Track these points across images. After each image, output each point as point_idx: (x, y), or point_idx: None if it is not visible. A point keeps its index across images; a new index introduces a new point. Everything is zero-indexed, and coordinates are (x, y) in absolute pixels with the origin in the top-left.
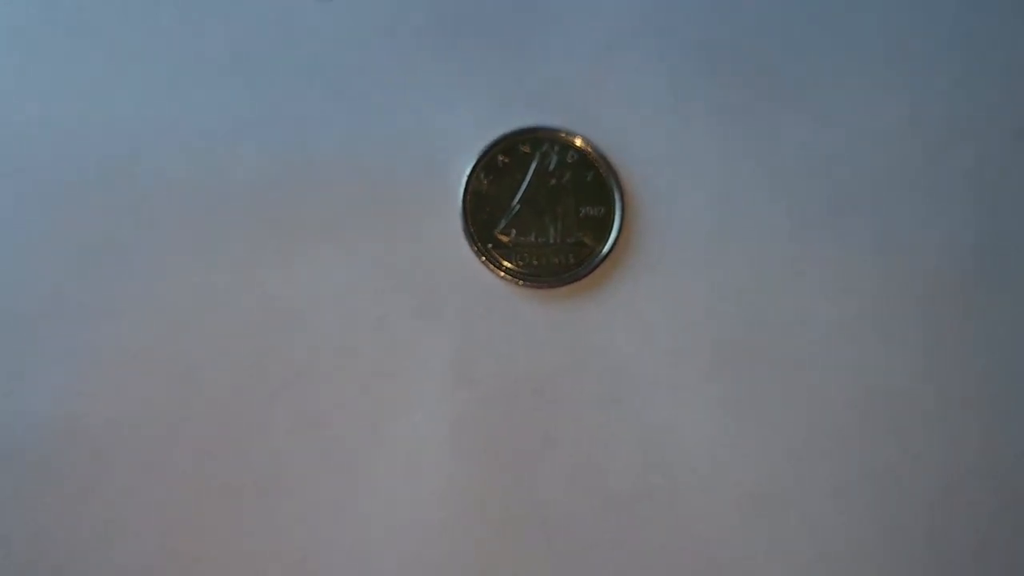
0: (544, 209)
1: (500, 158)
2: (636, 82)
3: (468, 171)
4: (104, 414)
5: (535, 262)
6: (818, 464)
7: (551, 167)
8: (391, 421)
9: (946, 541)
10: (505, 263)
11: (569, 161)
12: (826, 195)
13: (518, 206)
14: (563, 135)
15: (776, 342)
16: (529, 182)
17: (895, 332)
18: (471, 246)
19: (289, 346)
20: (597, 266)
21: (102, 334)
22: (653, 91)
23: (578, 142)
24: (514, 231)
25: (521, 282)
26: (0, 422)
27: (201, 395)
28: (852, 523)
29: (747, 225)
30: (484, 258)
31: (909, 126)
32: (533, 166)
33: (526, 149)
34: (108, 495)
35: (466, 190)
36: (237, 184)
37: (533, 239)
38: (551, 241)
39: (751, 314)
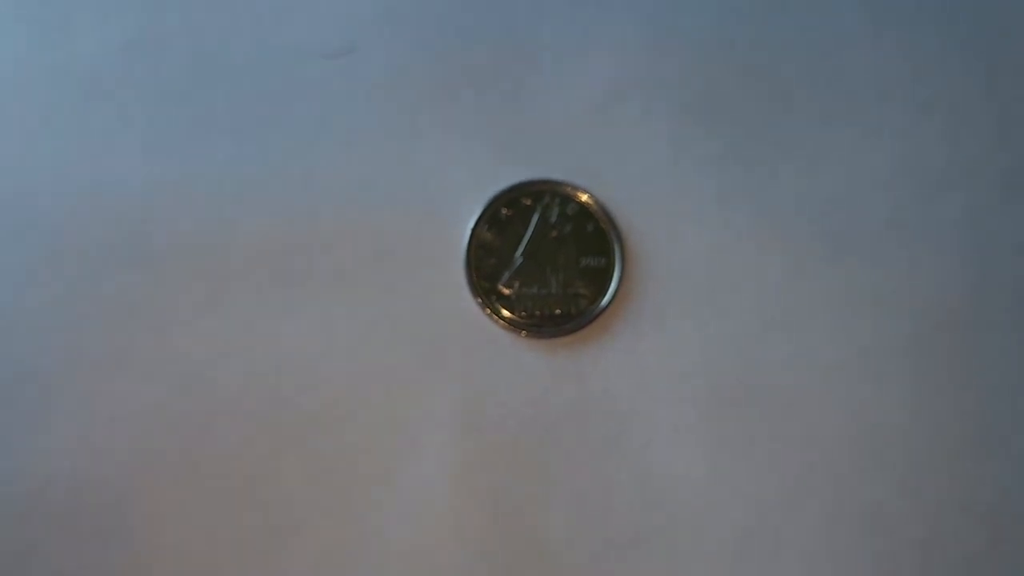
0: (546, 261)
1: (503, 211)
2: (634, 134)
3: (472, 224)
4: (121, 467)
5: (537, 312)
6: (812, 503)
7: (552, 219)
8: (399, 469)
9: None
10: (508, 314)
11: (570, 213)
12: (820, 241)
13: (521, 258)
14: (564, 187)
15: (770, 385)
16: (531, 234)
17: (888, 374)
18: (474, 297)
19: (299, 397)
20: (597, 316)
21: (117, 388)
22: (651, 143)
23: (579, 194)
24: (517, 283)
25: (524, 332)
26: (19, 475)
27: (215, 446)
28: (846, 562)
29: (743, 272)
30: (488, 309)
31: (901, 173)
32: (535, 218)
33: (528, 202)
34: (125, 547)
35: (470, 243)
36: (245, 240)
37: (535, 290)
38: (553, 292)
39: (746, 359)
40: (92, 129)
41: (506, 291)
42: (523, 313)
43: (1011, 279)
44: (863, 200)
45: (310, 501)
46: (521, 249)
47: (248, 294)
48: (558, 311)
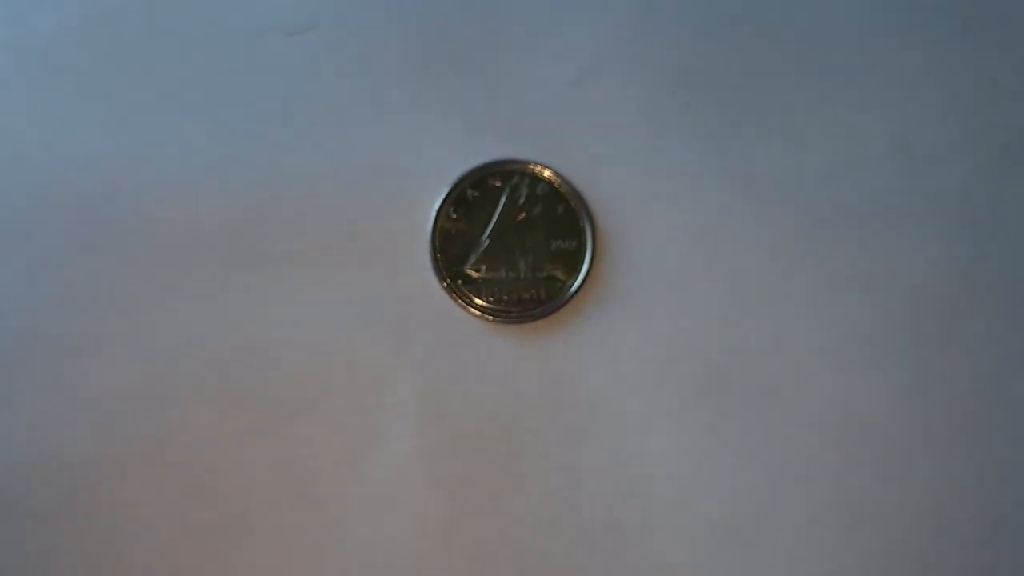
0: (514, 243)
1: (469, 192)
2: (607, 112)
3: (437, 206)
4: (81, 453)
5: (505, 297)
6: (796, 494)
7: (521, 200)
8: (363, 458)
9: (930, 573)
10: (475, 298)
11: (539, 194)
12: (805, 221)
13: (488, 241)
14: (533, 167)
15: (752, 371)
16: (499, 216)
17: (878, 358)
18: (440, 282)
19: (262, 383)
20: (568, 300)
21: (78, 372)
22: (625, 120)
23: (548, 174)
24: (484, 266)
25: (492, 317)
26: None
27: (178, 433)
28: (832, 556)
29: (723, 254)
30: (454, 294)
31: (891, 147)
32: (503, 200)
33: (496, 182)
34: (86, 534)
35: (435, 225)
36: (206, 220)
37: (503, 274)
38: (521, 276)
39: (726, 344)
40: (50, 106)
41: (473, 275)
42: (491, 298)
43: (1006, 261)
44: (849, 178)
45: (272, 490)
46: (488, 231)
47: (209, 277)
48: (527, 295)
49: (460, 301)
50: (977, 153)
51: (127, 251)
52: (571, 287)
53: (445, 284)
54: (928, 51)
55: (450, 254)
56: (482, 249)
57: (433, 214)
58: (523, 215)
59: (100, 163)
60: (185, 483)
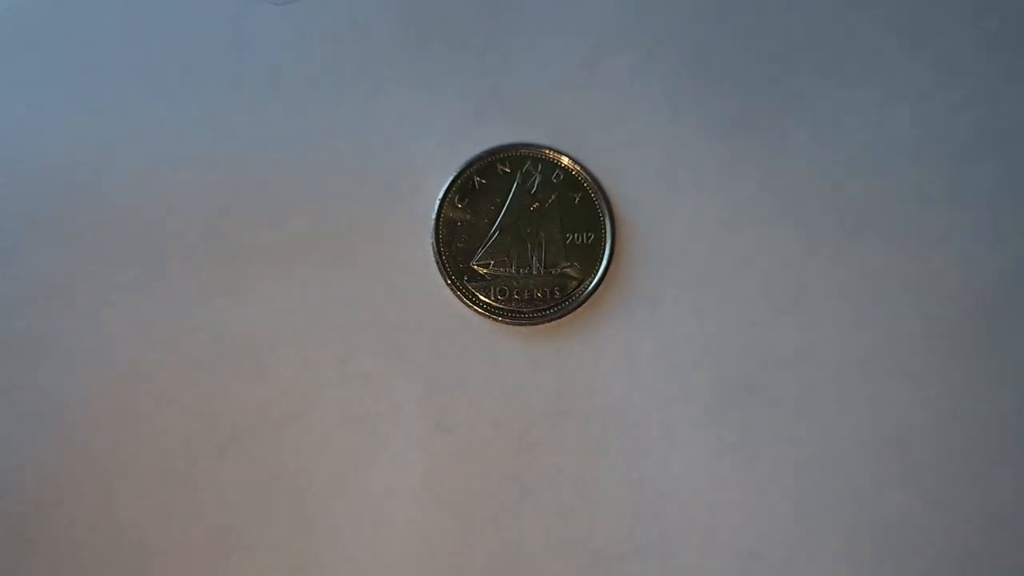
0: (526, 236)
1: (476, 179)
2: (627, 94)
3: (441, 195)
4: (45, 464)
5: (516, 296)
6: (827, 517)
7: (533, 188)
8: (357, 471)
9: None
10: (482, 297)
11: (554, 181)
12: (837, 217)
13: (496, 233)
14: (547, 152)
15: (780, 381)
16: (509, 206)
17: (912, 367)
18: (444, 278)
19: (244, 389)
20: (585, 300)
21: (42, 377)
22: (646, 104)
23: (564, 160)
24: (492, 261)
25: (500, 318)
26: None
27: (148, 443)
28: None
29: (751, 251)
30: (459, 292)
31: (927, 140)
32: (513, 188)
33: (506, 169)
34: (49, 553)
35: (439, 216)
36: (186, 212)
37: (513, 270)
38: (533, 272)
39: (753, 351)
40: (11, 83)
41: (480, 270)
42: (499, 296)
43: None
44: (884, 170)
45: (255, 508)
46: (497, 223)
47: (187, 273)
48: (539, 294)
49: (465, 299)
50: (1018, 144)
51: (94, 244)
52: (588, 285)
53: (449, 281)
54: (967, 37)
55: (455, 248)
56: (490, 242)
57: (436, 203)
58: (535, 205)
59: (65, 146)
60: (156, 503)
